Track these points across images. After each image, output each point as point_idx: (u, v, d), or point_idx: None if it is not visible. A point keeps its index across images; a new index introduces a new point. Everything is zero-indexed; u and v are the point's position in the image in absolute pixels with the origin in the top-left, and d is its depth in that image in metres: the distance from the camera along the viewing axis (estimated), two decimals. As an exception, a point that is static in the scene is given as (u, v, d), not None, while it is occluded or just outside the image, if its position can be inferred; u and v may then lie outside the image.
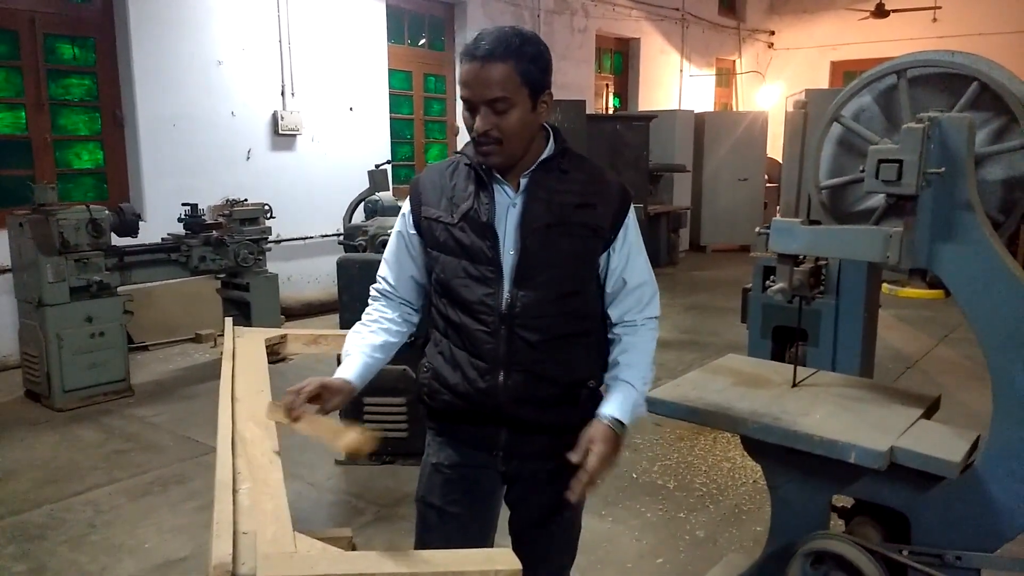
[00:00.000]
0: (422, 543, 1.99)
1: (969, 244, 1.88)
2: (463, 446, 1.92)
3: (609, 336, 1.94)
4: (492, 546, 1.99)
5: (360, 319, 1.99)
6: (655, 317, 1.95)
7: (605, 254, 1.89)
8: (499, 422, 1.86)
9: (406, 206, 1.95)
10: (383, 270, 1.99)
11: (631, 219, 1.91)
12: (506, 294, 1.80)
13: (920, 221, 1.90)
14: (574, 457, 1.75)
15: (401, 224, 1.96)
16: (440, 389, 1.86)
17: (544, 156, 1.84)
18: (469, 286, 1.82)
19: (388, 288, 1.97)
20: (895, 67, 2.14)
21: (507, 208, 1.83)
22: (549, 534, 2.01)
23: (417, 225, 1.90)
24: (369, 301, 2.01)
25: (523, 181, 1.84)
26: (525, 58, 1.73)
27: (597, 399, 1.93)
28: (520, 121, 1.76)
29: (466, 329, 1.83)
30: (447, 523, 1.95)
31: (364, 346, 1.92)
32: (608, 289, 1.92)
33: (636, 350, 1.90)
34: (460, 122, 9.57)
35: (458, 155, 1.92)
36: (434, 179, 1.90)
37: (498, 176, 1.83)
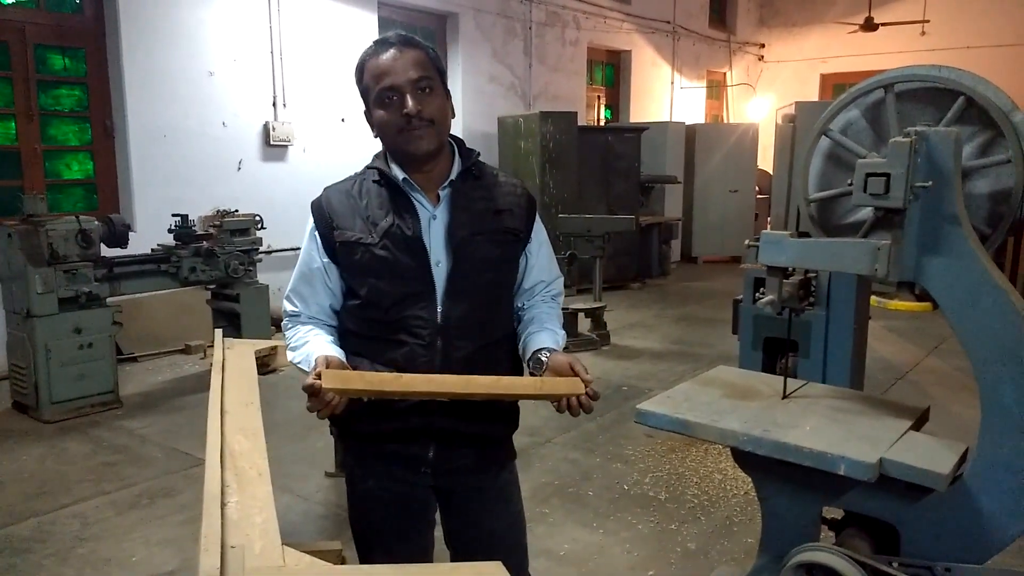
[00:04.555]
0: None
1: (956, 257, 1.90)
2: (390, 466, 1.88)
3: (519, 310, 1.98)
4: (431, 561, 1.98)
5: (287, 346, 1.89)
6: (562, 298, 2.05)
7: (523, 256, 1.94)
8: (428, 437, 1.83)
9: (312, 233, 1.86)
10: (295, 303, 1.89)
11: (539, 218, 1.98)
12: (440, 306, 1.79)
13: (908, 234, 1.92)
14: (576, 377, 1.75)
15: (310, 254, 1.87)
16: (363, 411, 1.77)
17: (461, 167, 1.86)
18: (400, 303, 1.78)
19: (307, 318, 1.89)
20: (882, 81, 2.16)
21: (428, 221, 1.81)
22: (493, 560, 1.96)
23: (331, 251, 1.83)
24: (286, 327, 1.92)
25: (443, 193, 1.84)
26: (431, 51, 1.82)
27: (516, 410, 1.97)
28: (442, 107, 1.80)
29: (398, 346, 1.78)
30: (388, 545, 1.93)
31: (319, 336, 1.84)
32: (526, 286, 1.97)
33: (550, 316, 1.95)
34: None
35: (362, 173, 1.89)
36: (342, 200, 1.85)
37: (417, 187, 1.82)
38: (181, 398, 5.41)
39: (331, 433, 4.11)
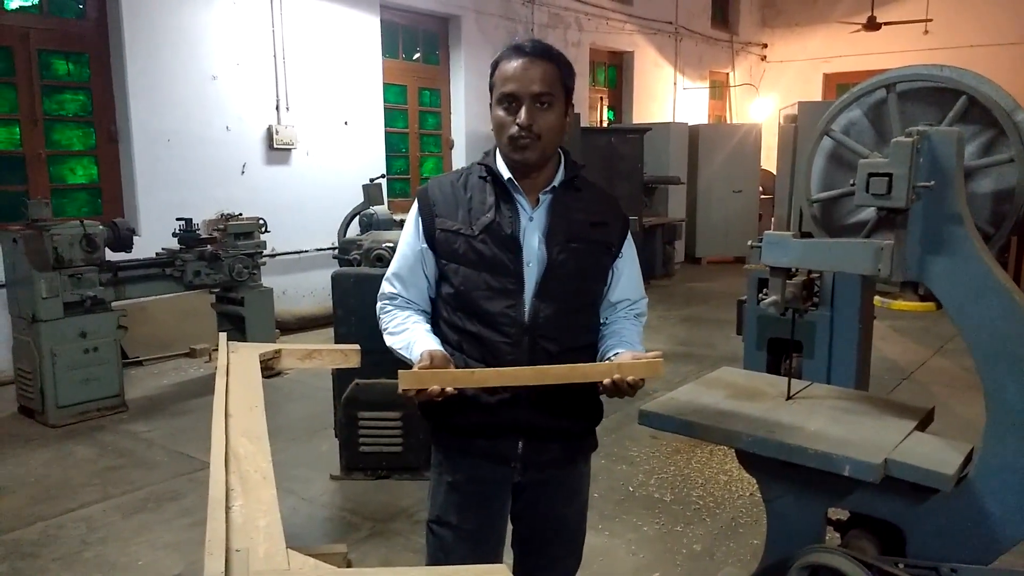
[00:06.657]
0: (438, 564, 1.99)
1: (959, 257, 1.89)
2: (479, 460, 1.93)
3: (602, 324, 2.02)
4: (502, 558, 2.00)
5: (384, 329, 1.97)
6: (645, 319, 2.10)
7: (612, 269, 1.99)
8: (516, 433, 1.89)
9: (416, 219, 1.94)
10: (395, 285, 1.97)
11: (630, 237, 2.03)
12: (528, 306, 1.84)
13: (910, 234, 1.91)
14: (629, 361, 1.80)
15: (413, 238, 1.95)
16: (455, 404, 1.82)
17: (565, 176, 1.92)
18: (490, 298, 1.85)
19: (405, 301, 1.97)
20: (884, 81, 2.16)
21: (526, 222, 1.88)
22: (556, 543, 2.04)
23: (430, 238, 1.91)
24: (383, 310, 1.98)
25: (543, 197, 1.90)
26: (565, 65, 1.86)
27: (600, 404, 2.00)
28: (557, 122, 1.85)
29: (486, 341, 1.85)
30: (464, 541, 1.96)
31: (419, 324, 1.92)
32: (612, 299, 2.01)
33: (632, 333, 2.00)
34: (455, 135, 9.61)
35: (468, 167, 1.97)
36: (447, 191, 1.92)
37: (520, 188, 1.87)
38: (186, 402, 5.42)
39: (336, 436, 4.11)
